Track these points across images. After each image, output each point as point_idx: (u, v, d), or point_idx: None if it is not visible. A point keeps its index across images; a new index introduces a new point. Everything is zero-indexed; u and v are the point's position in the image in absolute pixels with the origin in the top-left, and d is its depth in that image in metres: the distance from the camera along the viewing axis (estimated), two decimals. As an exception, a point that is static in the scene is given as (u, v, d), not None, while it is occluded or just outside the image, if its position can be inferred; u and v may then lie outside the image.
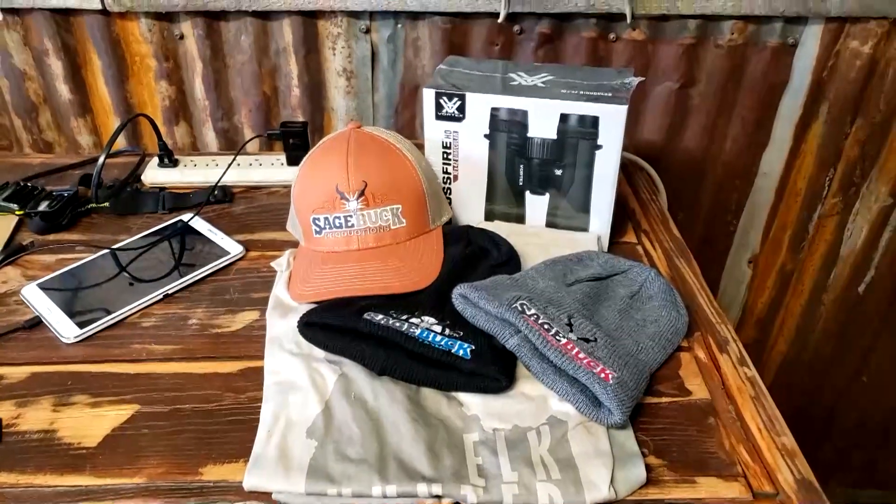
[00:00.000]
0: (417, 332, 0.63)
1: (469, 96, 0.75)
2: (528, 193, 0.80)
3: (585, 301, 0.69)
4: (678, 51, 1.00)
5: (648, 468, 0.57)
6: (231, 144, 1.04)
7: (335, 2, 0.91)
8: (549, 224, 0.81)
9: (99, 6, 0.90)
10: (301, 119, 1.02)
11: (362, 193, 0.71)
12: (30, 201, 0.84)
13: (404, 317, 0.65)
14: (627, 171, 1.00)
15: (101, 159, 0.80)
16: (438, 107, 0.76)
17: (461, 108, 0.76)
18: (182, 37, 0.95)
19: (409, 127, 1.04)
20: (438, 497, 0.53)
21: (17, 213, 0.83)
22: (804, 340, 1.34)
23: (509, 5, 0.93)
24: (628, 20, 0.95)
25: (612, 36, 0.99)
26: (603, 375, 0.59)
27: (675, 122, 1.07)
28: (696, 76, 1.03)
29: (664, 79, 1.03)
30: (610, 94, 0.74)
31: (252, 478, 0.53)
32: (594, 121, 0.73)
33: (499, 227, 0.80)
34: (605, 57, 1.01)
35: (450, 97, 0.75)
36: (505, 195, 0.80)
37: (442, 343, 0.62)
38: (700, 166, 1.12)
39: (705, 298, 0.76)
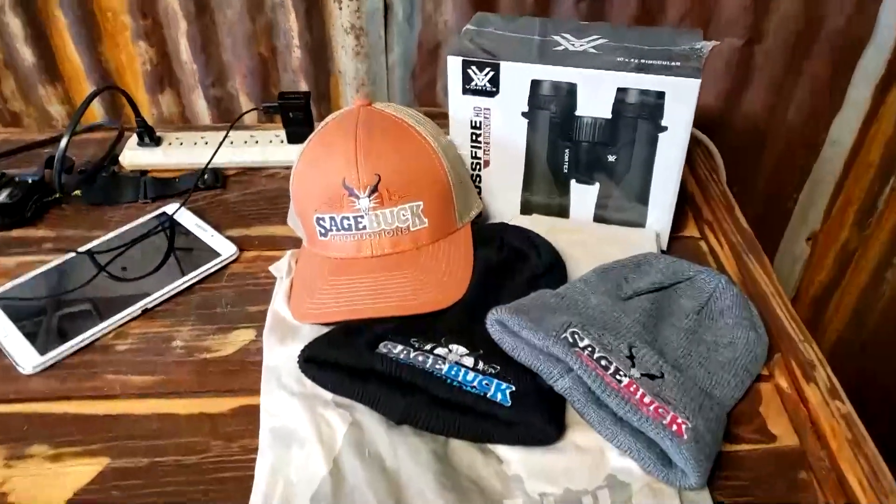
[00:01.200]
0: (445, 368, 0.51)
1: (504, 66, 0.61)
2: (573, 182, 0.67)
3: (646, 321, 0.57)
4: (745, 1, 0.85)
5: (730, 542, 0.47)
6: (225, 115, 0.91)
7: (339, -56, 0.76)
8: (598, 218, 0.69)
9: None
10: (304, 86, 0.88)
11: (375, 189, 0.59)
12: (-12, 189, 0.72)
13: (428, 347, 0.53)
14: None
15: (63, 143, 0.67)
16: (467, 78, 0.62)
17: (494, 81, 0.62)
18: (160, -11, 0.81)
19: (428, 92, 0.90)
20: (476, 592, 0.43)
21: (-27, 204, 0.71)
22: (862, 321, 1.22)
23: (547, -53, 0.77)
24: (688, -36, 0.79)
25: (667, -17, 0.84)
26: (675, 427, 0.48)
27: (735, 85, 0.92)
28: (763, 30, 0.88)
29: (726, 33, 0.88)
30: (678, 64, 0.60)
31: (244, 563, 0.43)
32: (658, 96, 0.59)
33: (538, 223, 0.68)
34: (658, 9, 0.85)
35: (481, 67, 0.61)
36: (546, 184, 0.67)
37: (475, 384, 0.50)
38: (760, 135, 0.98)
39: (783, 307, 0.64)
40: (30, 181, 0.73)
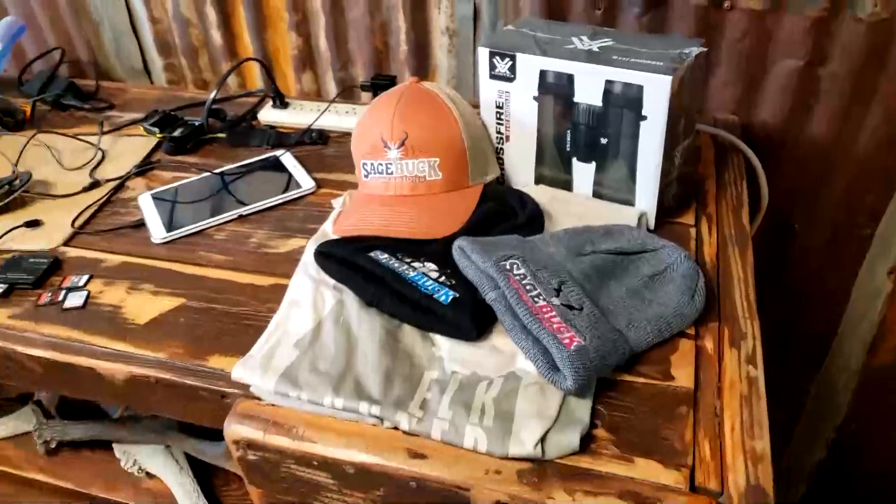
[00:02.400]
0: (411, 274, 0.68)
1: (519, 57, 0.76)
2: (574, 160, 0.79)
3: (591, 273, 0.68)
4: (805, 24, 0.90)
5: (592, 439, 0.57)
6: (348, 94, 1.14)
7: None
8: (596, 195, 0.80)
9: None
10: (407, 76, 1.09)
11: (402, 143, 0.77)
12: (168, 127, 1.01)
13: (408, 260, 0.70)
14: (724, 151, 0.93)
15: (211, 96, 0.94)
16: (492, 66, 0.78)
17: (512, 69, 0.77)
18: (309, -10, 1.06)
19: (506, 89, 1.06)
20: (377, 417, 0.58)
21: (157, 136, 1.01)
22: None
23: (610, -32, 0.90)
24: (743, -13, 0.87)
25: (726, 4, 0.91)
26: (566, 342, 0.59)
27: (797, 104, 0.96)
28: (826, 53, 0.92)
29: (786, 55, 0.93)
30: (661, 64, 0.70)
31: (238, 370, 0.63)
32: (639, 90, 0.70)
33: (543, 192, 0.81)
34: (716, 27, 0.93)
35: (502, 57, 0.77)
36: (553, 160, 0.80)
37: (428, 286, 0.66)
38: (828, 158, 0.99)
39: (742, 292, 0.71)
40: (196, 124, 1.01)
